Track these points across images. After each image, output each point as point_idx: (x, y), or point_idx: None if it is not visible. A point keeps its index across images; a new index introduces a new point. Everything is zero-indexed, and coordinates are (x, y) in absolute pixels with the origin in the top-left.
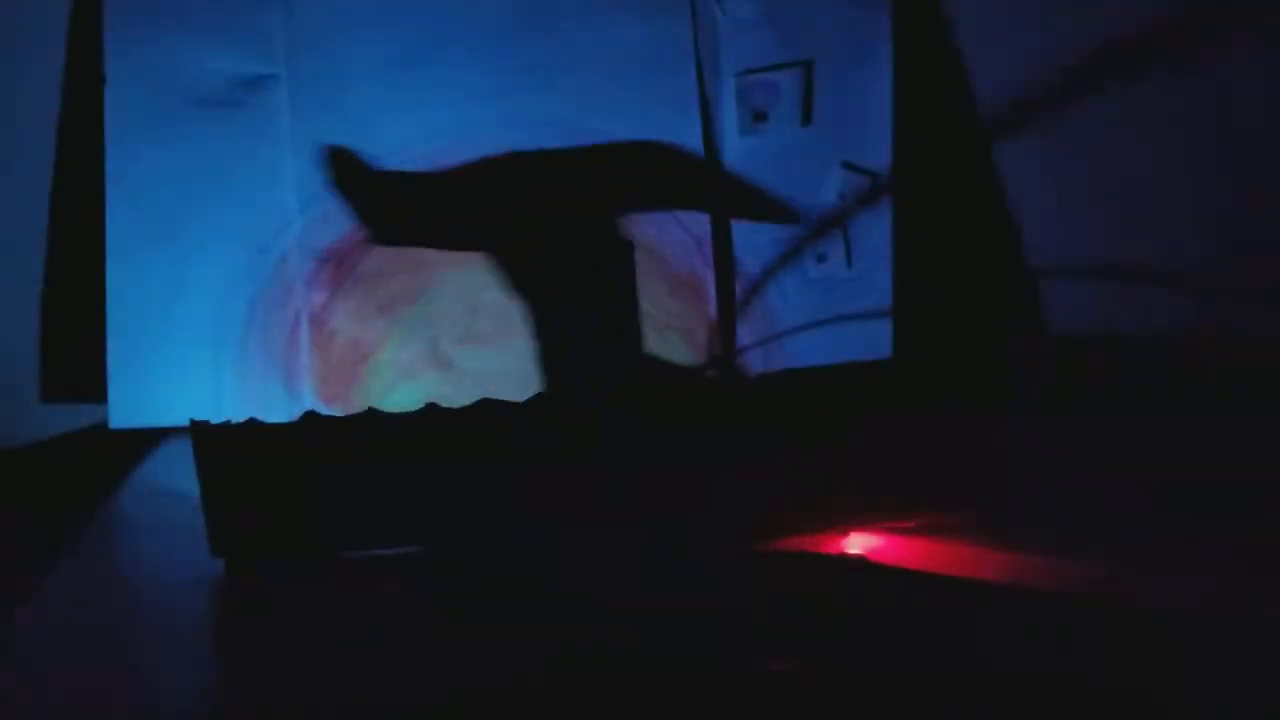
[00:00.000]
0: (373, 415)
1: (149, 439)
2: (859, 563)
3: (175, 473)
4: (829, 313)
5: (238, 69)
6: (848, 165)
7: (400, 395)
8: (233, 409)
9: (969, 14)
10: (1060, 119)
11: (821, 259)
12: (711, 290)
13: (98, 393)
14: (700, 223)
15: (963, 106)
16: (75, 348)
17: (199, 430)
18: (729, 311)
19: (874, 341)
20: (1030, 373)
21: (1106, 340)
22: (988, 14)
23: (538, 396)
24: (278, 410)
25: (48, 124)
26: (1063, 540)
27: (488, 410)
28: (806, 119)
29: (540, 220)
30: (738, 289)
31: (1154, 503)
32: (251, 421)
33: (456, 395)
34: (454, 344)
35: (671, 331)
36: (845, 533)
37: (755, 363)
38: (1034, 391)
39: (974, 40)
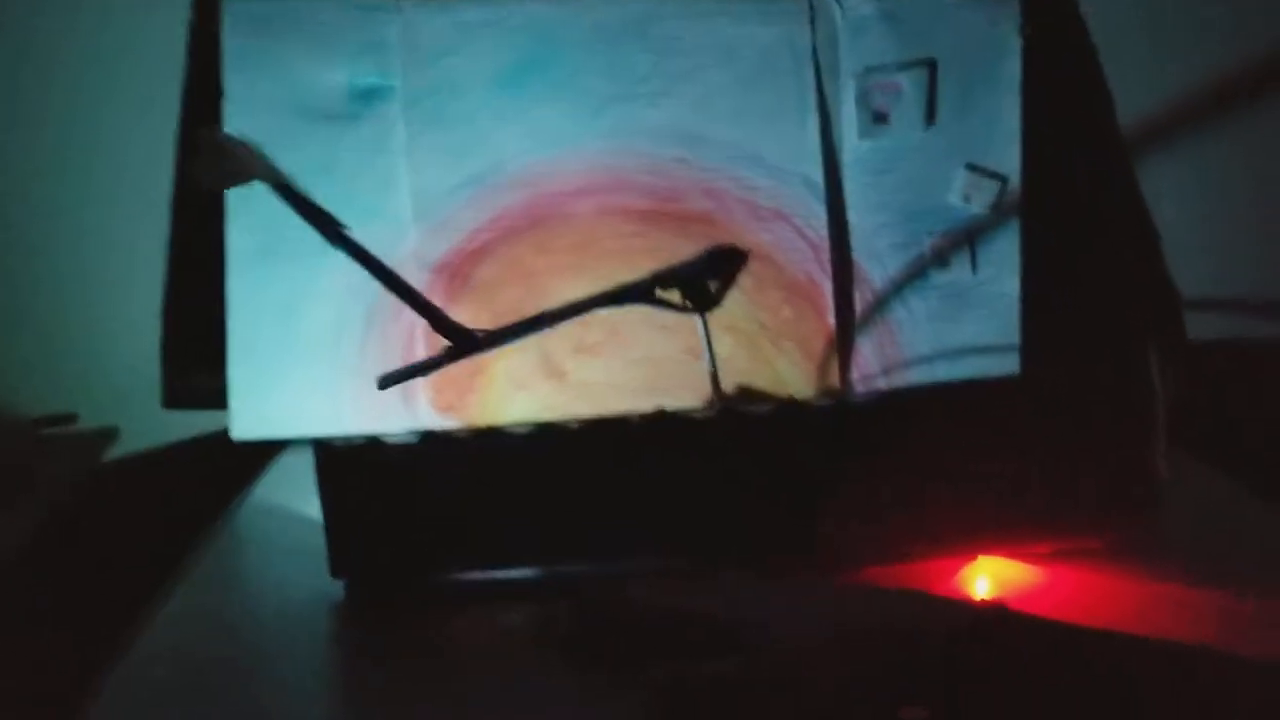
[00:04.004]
0: (490, 433)
1: (268, 450)
2: (997, 609)
3: (294, 487)
4: (952, 320)
5: (354, 81)
6: (972, 167)
7: (515, 406)
8: (352, 420)
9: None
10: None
11: (945, 265)
12: (829, 299)
13: (216, 401)
14: (818, 228)
15: (1096, 110)
16: (196, 357)
17: (322, 450)
18: (847, 320)
19: (1000, 354)
20: (1169, 388)
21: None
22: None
23: (653, 414)
24: (395, 420)
25: (167, 139)
26: (1210, 566)
27: (604, 428)
28: (929, 120)
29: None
30: (857, 297)
31: None
32: (373, 440)
33: (571, 405)
34: (567, 355)
35: (787, 341)
36: (974, 557)
37: (874, 372)
38: (1173, 407)
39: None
